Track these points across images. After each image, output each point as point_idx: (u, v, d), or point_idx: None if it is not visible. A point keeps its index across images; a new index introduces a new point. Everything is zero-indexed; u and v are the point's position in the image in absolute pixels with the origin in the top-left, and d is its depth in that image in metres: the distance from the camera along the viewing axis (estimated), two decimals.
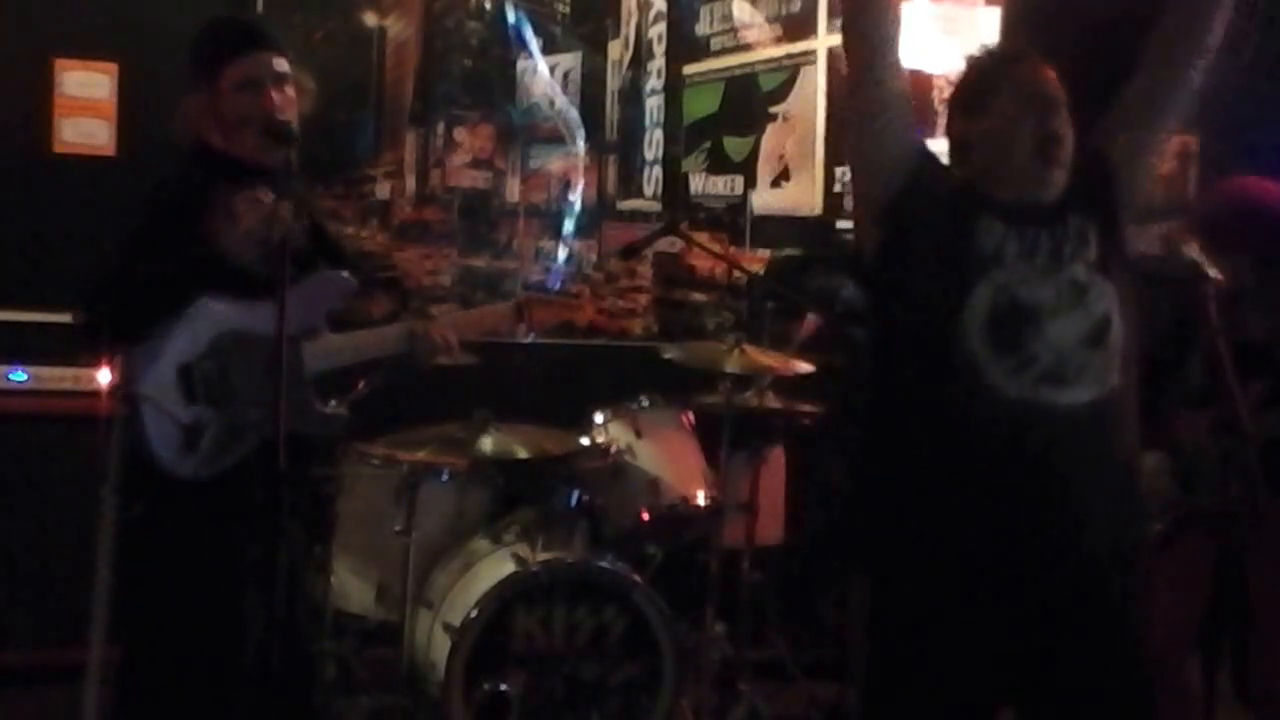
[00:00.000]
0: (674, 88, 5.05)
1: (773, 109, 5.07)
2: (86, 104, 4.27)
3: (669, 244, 4.79)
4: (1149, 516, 2.40)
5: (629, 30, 5.01)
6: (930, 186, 2.43)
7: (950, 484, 2.31)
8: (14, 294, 4.14)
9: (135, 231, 2.68)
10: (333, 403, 2.83)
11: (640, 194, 5.04)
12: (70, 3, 4.29)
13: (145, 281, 2.61)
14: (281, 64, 2.76)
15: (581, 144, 4.96)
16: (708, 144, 5.07)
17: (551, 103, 4.92)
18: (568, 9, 4.92)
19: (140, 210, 2.72)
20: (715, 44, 5.08)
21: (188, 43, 2.82)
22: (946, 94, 4.91)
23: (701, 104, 5.08)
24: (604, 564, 3.52)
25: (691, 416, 3.92)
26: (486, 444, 3.56)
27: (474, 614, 3.36)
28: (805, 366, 3.90)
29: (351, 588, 3.68)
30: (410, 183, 4.78)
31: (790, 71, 5.05)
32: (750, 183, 5.07)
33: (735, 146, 5.08)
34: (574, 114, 4.95)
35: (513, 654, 3.41)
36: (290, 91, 2.75)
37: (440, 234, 4.79)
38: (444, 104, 4.80)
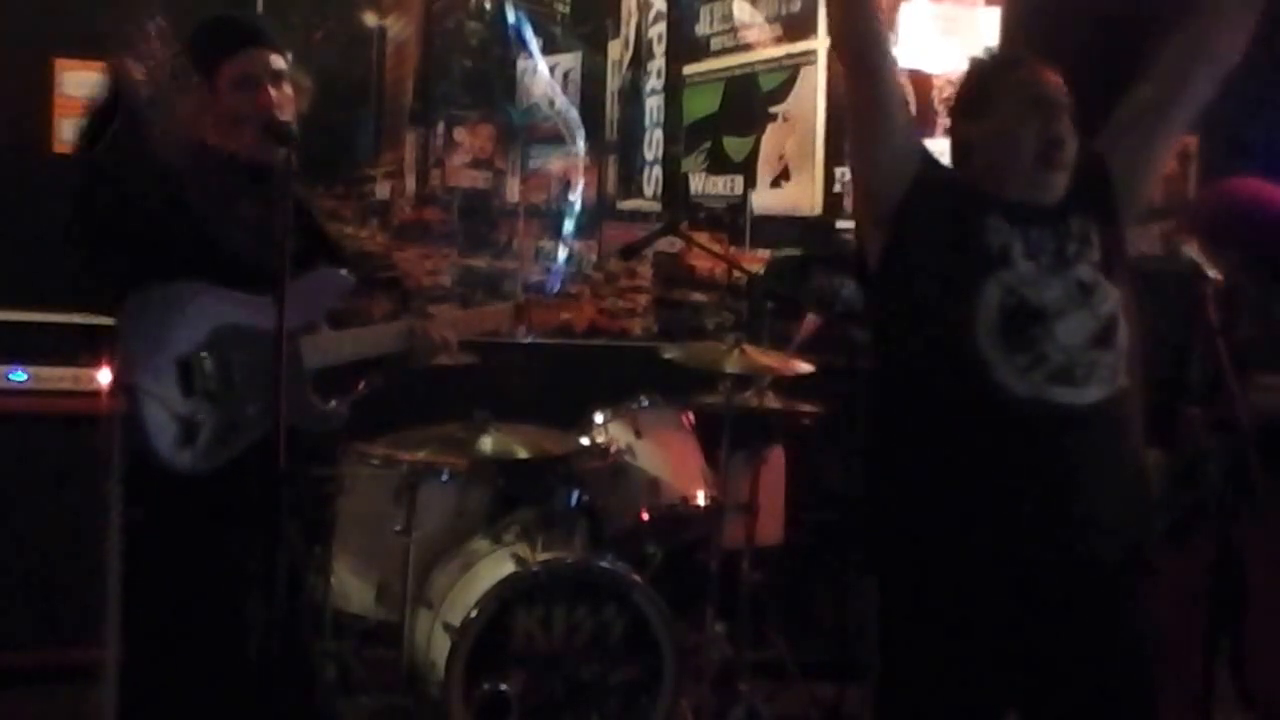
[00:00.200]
0: (674, 88, 5.06)
1: (773, 109, 5.08)
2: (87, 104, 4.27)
3: (669, 244, 4.79)
4: (1157, 517, 2.39)
5: (629, 30, 5.01)
6: (933, 187, 2.42)
7: (959, 484, 2.30)
8: (14, 294, 4.14)
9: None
10: (333, 402, 2.83)
11: (640, 194, 5.04)
12: (70, 3, 4.29)
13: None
14: (278, 62, 2.76)
15: (581, 144, 4.96)
16: (708, 144, 5.08)
17: (551, 103, 4.93)
18: (568, 9, 4.93)
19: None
20: (715, 44, 5.09)
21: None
22: (946, 94, 4.98)
23: (701, 104, 5.08)
24: (604, 564, 3.52)
25: (691, 416, 3.92)
26: (486, 444, 3.56)
27: (474, 614, 3.36)
28: (805, 366, 3.90)
29: (351, 588, 3.68)
30: (410, 183, 4.78)
31: (790, 71, 5.05)
32: (750, 183, 5.07)
33: (735, 146, 5.09)
34: (574, 114, 4.95)
35: (513, 654, 3.40)
36: (288, 89, 2.75)
37: (440, 234, 4.80)
38: (444, 104, 4.81)
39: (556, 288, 4.89)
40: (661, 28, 5.04)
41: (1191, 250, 2.65)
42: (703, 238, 4.76)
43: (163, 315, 2.65)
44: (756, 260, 4.95)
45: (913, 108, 4.73)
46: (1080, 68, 2.48)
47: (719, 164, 5.08)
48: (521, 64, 4.88)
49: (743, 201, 5.05)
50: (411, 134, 4.78)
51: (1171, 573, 2.83)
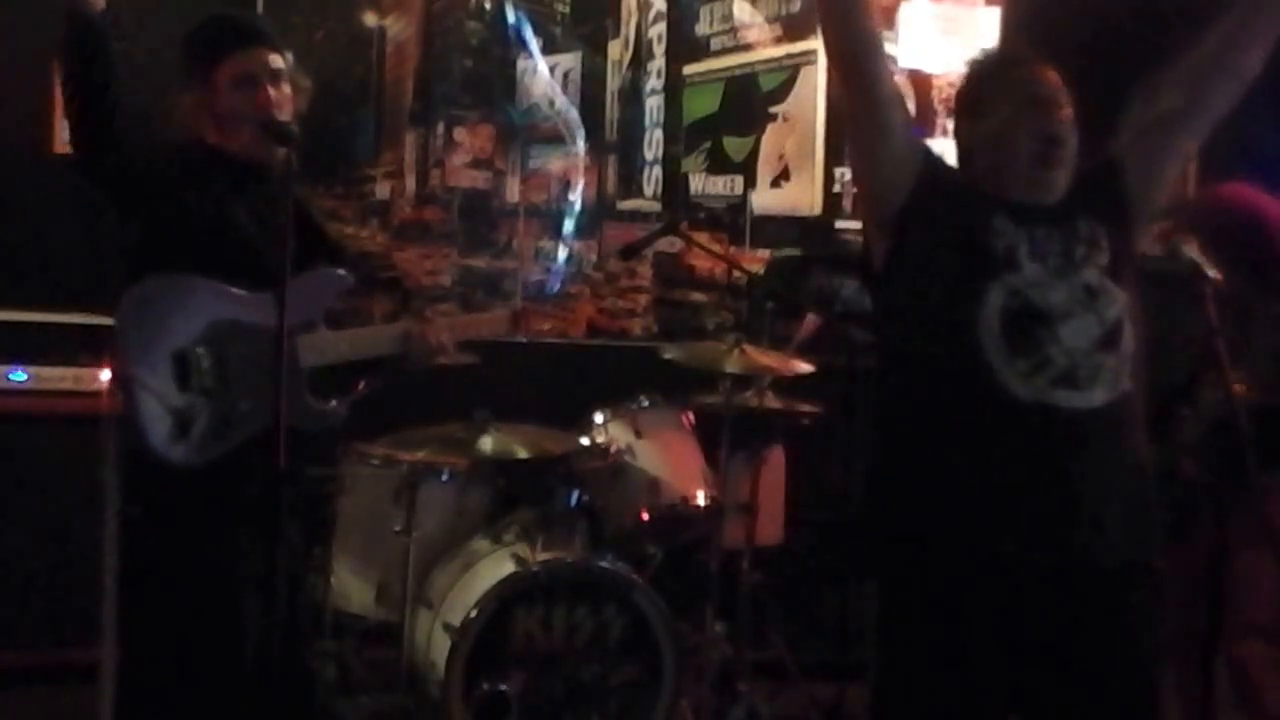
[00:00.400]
0: (674, 88, 5.06)
1: (773, 109, 5.08)
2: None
3: (669, 244, 4.79)
4: (1161, 521, 2.39)
5: (629, 30, 5.01)
6: (937, 188, 2.41)
7: (960, 486, 2.30)
8: (14, 294, 4.14)
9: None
10: (333, 402, 2.83)
11: (640, 194, 5.04)
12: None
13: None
14: (277, 60, 2.76)
15: (581, 144, 4.96)
16: (708, 144, 5.08)
17: (551, 103, 4.93)
18: (568, 9, 4.92)
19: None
20: (715, 44, 5.09)
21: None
22: (946, 94, 4.98)
23: (701, 104, 5.08)
24: (604, 564, 3.52)
25: (691, 416, 3.92)
26: (486, 444, 3.56)
27: (474, 614, 3.35)
28: (805, 366, 3.90)
29: (351, 588, 3.68)
30: (410, 183, 4.78)
31: (790, 71, 5.05)
32: (750, 183, 5.07)
33: (735, 146, 5.08)
34: (574, 114, 4.95)
35: (512, 654, 3.40)
36: (286, 88, 2.76)
37: (440, 234, 4.80)
38: (444, 104, 4.81)
39: (556, 288, 4.89)
40: (661, 28, 5.04)
41: (1191, 250, 2.64)
42: (703, 238, 4.75)
43: (160, 309, 2.65)
44: (756, 260, 4.95)
45: (912, 108, 4.73)
46: (1079, 68, 2.48)
47: (719, 164, 5.08)
48: (521, 64, 4.88)
49: (743, 201, 5.05)
50: (411, 134, 4.78)
51: (1171, 572, 2.83)
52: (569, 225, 4.95)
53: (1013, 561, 2.29)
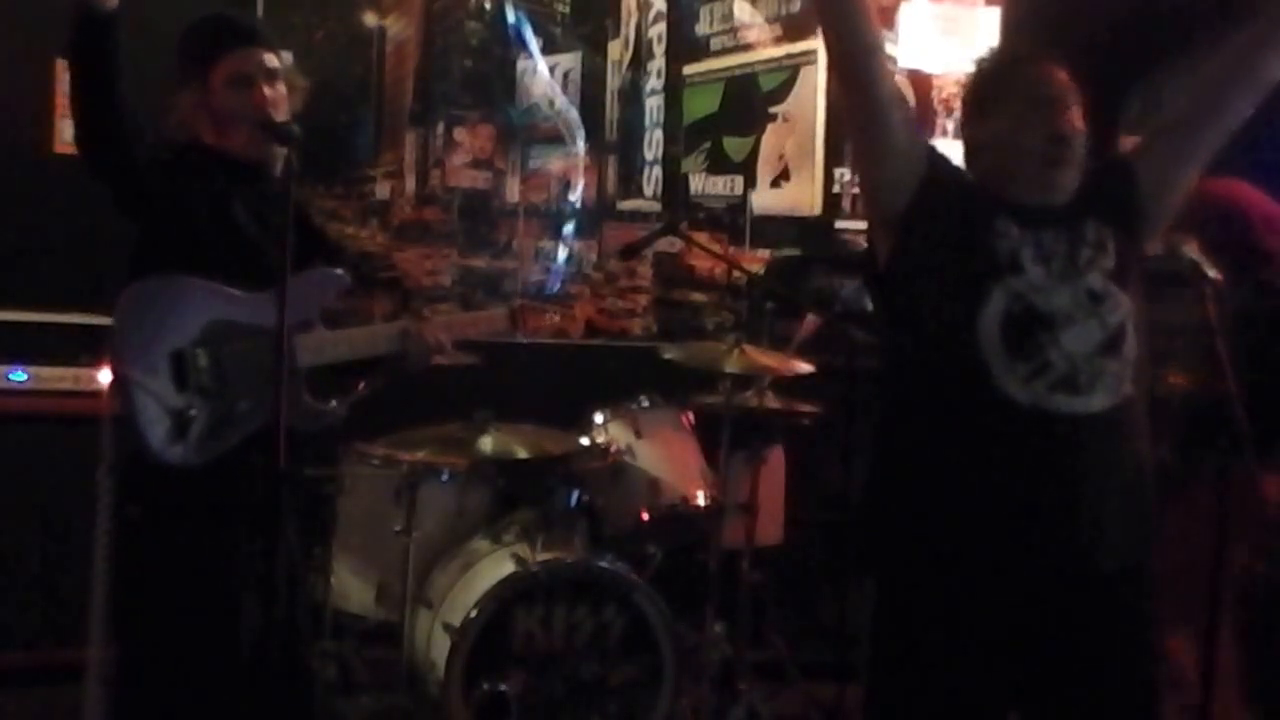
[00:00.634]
0: (674, 88, 5.06)
1: (773, 109, 5.08)
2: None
3: (669, 244, 4.79)
4: (1161, 526, 2.39)
5: (629, 30, 5.01)
6: (941, 189, 2.40)
7: (961, 490, 2.30)
8: (14, 294, 4.14)
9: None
10: (332, 402, 2.83)
11: (640, 194, 5.04)
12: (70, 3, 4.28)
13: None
14: (272, 60, 2.76)
15: (581, 144, 4.96)
16: (708, 144, 5.08)
17: (551, 103, 4.93)
18: (568, 9, 4.92)
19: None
20: (715, 44, 5.08)
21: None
22: (945, 94, 4.98)
23: (701, 104, 5.08)
24: (604, 564, 3.52)
25: (691, 416, 3.92)
26: (486, 444, 3.56)
27: (474, 614, 3.36)
28: (805, 366, 3.90)
29: (351, 588, 3.68)
30: (410, 183, 4.78)
31: (790, 71, 5.05)
32: (750, 183, 5.07)
33: (735, 146, 5.09)
34: (574, 114, 4.95)
35: (513, 654, 3.40)
36: (282, 88, 2.75)
37: (440, 234, 4.80)
38: (444, 104, 4.81)
39: (556, 288, 4.89)
40: (661, 28, 5.04)
41: (1191, 250, 2.64)
42: (703, 238, 4.76)
43: (157, 309, 2.65)
44: (756, 260, 4.95)
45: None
46: (1079, 67, 2.47)
47: (719, 164, 5.08)
48: (521, 64, 4.88)
49: (742, 201, 5.05)
50: (411, 134, 4.78)
51: (1171, 569, 2.83)
52: (569, 225, 4.95)
53: (1011, 563, 2.29)
